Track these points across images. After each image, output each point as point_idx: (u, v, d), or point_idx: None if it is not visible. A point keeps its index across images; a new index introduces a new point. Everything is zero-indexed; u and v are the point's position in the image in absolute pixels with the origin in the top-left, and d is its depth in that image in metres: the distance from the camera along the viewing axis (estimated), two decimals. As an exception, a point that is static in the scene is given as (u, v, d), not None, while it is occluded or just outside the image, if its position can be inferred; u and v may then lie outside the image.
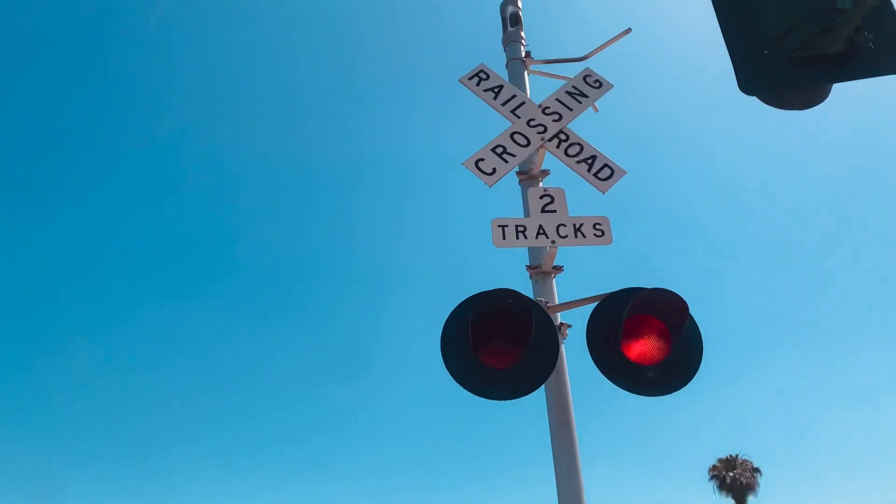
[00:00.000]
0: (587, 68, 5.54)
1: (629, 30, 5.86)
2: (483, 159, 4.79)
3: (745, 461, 49.48)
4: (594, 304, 4.34)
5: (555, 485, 4.12)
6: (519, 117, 5.13)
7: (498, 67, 5.65)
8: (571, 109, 5.20)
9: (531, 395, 4.05)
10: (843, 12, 2.95)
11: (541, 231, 4.47)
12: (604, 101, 5.42)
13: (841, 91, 3.30)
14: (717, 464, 49.73)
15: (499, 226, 4.44)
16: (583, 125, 5.15)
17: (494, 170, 4.75)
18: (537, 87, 5.66)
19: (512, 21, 5.99)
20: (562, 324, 4.50)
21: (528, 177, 5.13)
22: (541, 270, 4.68)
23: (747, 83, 3.14)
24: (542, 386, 4.15)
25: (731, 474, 48.94)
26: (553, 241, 4.45)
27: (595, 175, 4.81)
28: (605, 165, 4.86)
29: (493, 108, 5.25)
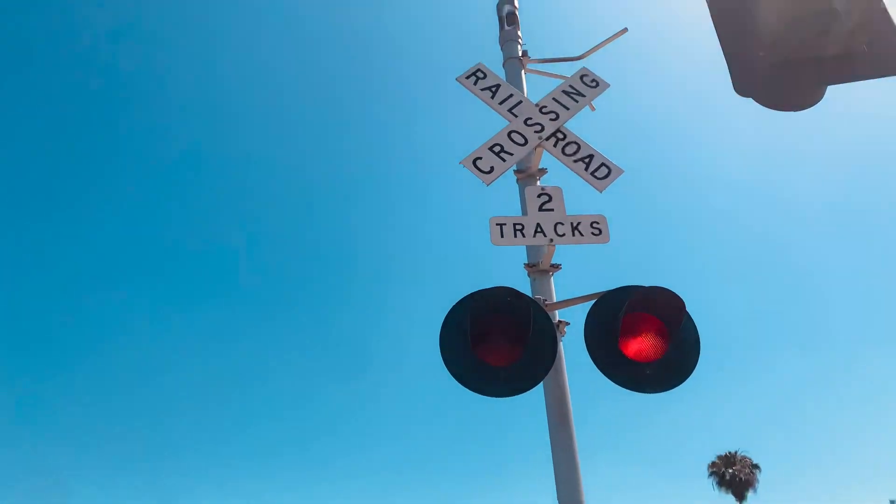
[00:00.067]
0: (584, 67, 5.56)
1: (625, 29, 5.89)
2: (481, 158, 4.81)
3: (745, 458, 49.61)
4: (592, 302, 4.37)
5: (554, 481, 4.15)
6: (516, 116, 5.15)
7: (495, 66, 5.68)
8: (568, 108, 5.22)
9: (530, 392, 4.07)
10: (838, 14, 2.97)
11: (538, 229, 4.49)
12: (601, 100, 5.44)
13: (837, 92, 3.33)
14: (717, 460, 49.87)
15: (497, 224, 4.46)
16: (580, 124, 5.18)
17: (492, 168, 4.77)
18: (534, 86, 5.68)
19: (508, 20, 6.01)
20: (560, 322, 4.53)
21: (526, 175, 5.14)
22: (539, 269, 4.70)
23: (742, 85, 3.16)
24: (541, 383, 4.17)
25: (730, 471, 49.07)
26: (551, 240, 4.47)
27: (592, 174, 4.83)
28: (603, 164, 4.88)
29: (491, 107, 5.26)
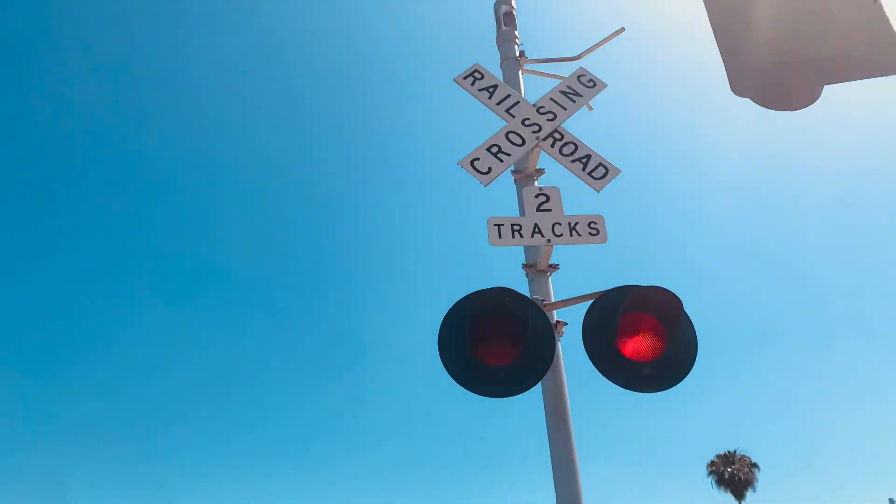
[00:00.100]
0: (581, 68, 5.56)
1: (622, 29, 5.90)
2: (478, 158, 4.81)
3: (744, 457, 49.65)
4: (590, 302, 4.37)
5: (552, 481, 4.15)
6: (514, 116, 5.16)
7: (492, 67, 5.68)
8: (566, 109, 5.22)
9: (528, 392, 4.08)
10: (834, 15, 2.98)
11: (536, 230, 4.50)
12: (598, 101, 5.45)
13: (835, 92, 3.33)
14: (716, 459, 49.90)
15: (494, 225, 4.46)
16: (577, 124, 5.18)
17: (490, 169, 4.77)
18: (532, 87, 5.69)
19: (506, 20, 6.02)
20: (558, 322, 4.53)
21: (524, 176, 5.15)
22: (537, 269, 4.71)
23: (739, 85, 3.17)
24: (539, 383, 4.18)
25: (729, 470, 49.10)
26: (548, 240, 4.47)
27: (590, 174, 4.84)
28: (600, 164, 4.89)
29: (488, 108, 5.27)
